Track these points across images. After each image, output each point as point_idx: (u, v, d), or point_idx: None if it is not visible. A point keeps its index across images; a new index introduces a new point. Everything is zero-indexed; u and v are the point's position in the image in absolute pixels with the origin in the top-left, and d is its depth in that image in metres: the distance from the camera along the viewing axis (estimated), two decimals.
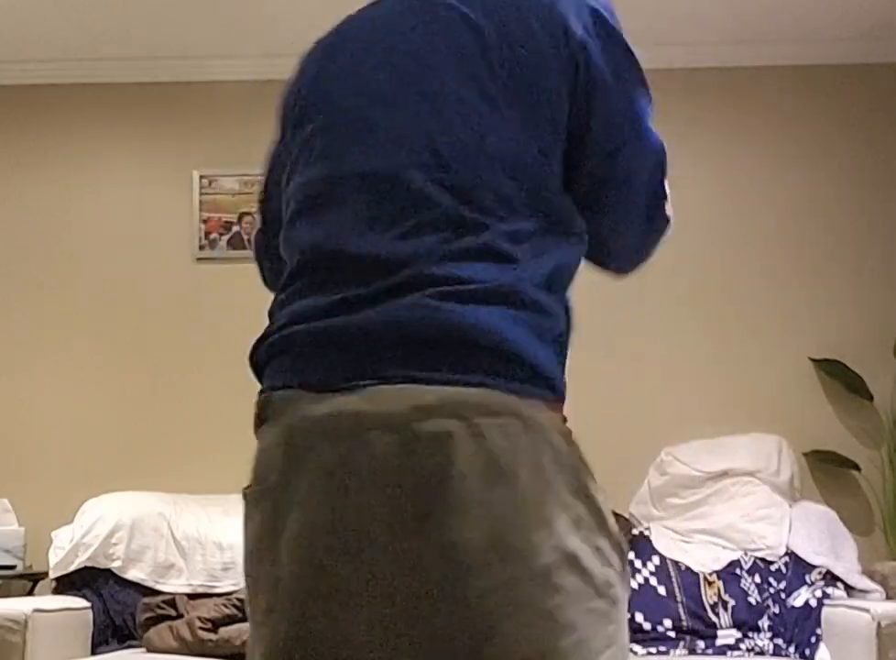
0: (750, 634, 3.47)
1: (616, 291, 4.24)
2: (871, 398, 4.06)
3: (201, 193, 4.39)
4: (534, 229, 1.20)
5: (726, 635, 3.48)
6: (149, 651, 3.39)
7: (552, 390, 1.17)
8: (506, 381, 1.13)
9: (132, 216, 4.40)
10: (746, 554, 3.65)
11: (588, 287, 4.31)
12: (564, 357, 1.22)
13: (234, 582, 3.64)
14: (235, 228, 4.37)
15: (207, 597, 3.60)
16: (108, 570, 3.68)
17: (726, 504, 3.79)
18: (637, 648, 3.46)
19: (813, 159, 4.30)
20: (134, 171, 4.44)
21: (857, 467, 4.02)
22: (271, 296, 1.46)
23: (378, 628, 1.10)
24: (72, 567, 3.65)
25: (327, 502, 1.12)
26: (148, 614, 3.49)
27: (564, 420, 1.19)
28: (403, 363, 1.13)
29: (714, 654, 3.42)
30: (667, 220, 1.40)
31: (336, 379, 1.15)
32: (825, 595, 3.44)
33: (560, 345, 1.21)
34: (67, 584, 3.66)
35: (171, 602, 3.53)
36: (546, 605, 1.09)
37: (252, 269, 1.66)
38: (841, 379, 4.09)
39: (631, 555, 3.68)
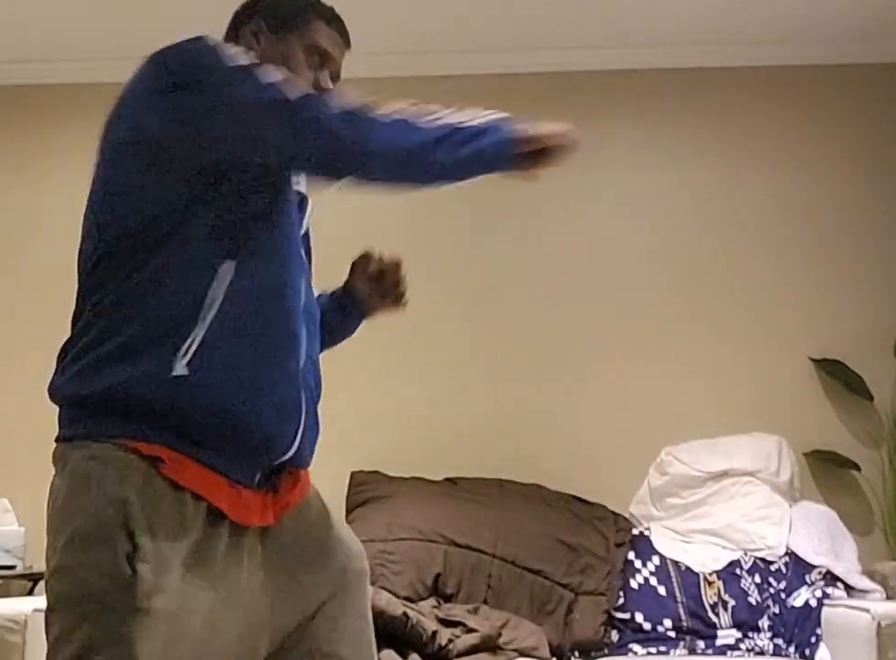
0: (750, 634, 3.47)
1: (615, 291, 4.24)
2: (871, 398, 4.06)
3: None
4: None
5: (726, 635, 3.48)
6: None
7: (70, 427, 1.51)
8: (64, 430, 1.53)
9: None
10: (746, 554, 3.65)
11: (586, 288, 4.32)
12: (100, 367, 1.48)
13: None
14: None
15: None
16: None
17: (726, 504, 3.79)
18: (637, 648, 3.47)
19: (813, 159, 4.30)
20: None
21: (857, 467, 4.02)
22: None
23: None
24: None
25: None
26: None
27: (93, 455, 1.47)
28: None
29: (714, 654, 3.42)
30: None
31: None
32: (825, 595, 3.43)
33: (92, 357, 1.49)
34: None
35: None
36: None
37: None
38: (841, 379, 4.09)
39: (631, 555, 3.69)
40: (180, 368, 1.46)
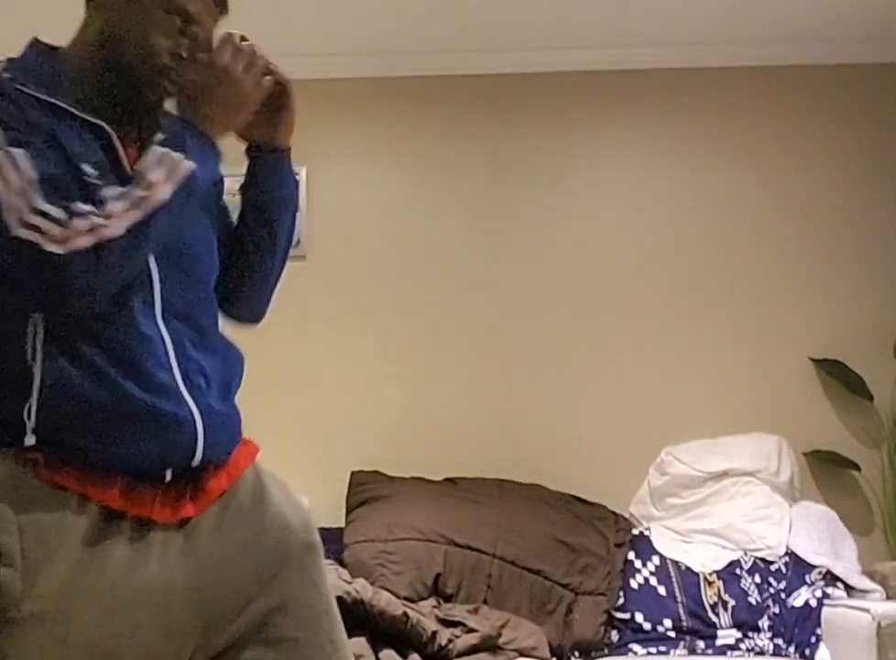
0: (750, 634, 3.47)
1: (615, 291, 4.24)
2: (871, 398, 4.06)
3: None
4: None
5: (726, 635, 3.48)
6: None
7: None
8: None
9: None
10: (746, 554, 3.65)
11: (587, 288, 4.32)
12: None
13: None
14: None
15: None
16: None
17: (726, 504, 3.79)
18: (637, 648, 3.47)
19: (813, 159, 4.30)
20: None
21: (857, 467, 4.02)
22: (272, 300, 1.57)
23: None
24: None
25: None
26: None
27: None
28: None
29: (714, 654, 3.42)
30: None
31: None
32: (825, 595, 3.43)
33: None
34: None
35: None
36: None
37: None
38: (841, 379, 4.09)
39: (631, 555, 3.69)
40: (30, 439, 1.38)
